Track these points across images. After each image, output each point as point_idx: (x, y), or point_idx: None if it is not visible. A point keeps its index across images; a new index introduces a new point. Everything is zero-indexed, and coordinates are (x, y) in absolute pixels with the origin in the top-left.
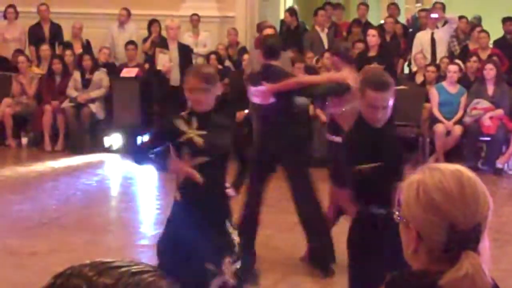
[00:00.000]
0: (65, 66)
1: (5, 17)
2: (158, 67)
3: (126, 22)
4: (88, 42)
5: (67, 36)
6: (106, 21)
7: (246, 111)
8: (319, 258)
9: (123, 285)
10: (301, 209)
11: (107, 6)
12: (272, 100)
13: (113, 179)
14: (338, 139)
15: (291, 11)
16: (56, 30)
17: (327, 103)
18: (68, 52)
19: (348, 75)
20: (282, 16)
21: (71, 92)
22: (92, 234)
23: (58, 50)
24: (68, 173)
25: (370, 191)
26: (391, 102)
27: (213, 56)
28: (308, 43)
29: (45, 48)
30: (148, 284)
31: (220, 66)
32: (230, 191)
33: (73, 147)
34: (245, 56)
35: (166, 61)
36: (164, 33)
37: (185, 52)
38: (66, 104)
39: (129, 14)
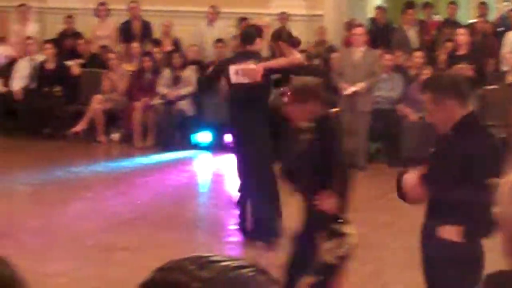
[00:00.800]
0: (155, 64)
1: (96, 14)
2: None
3: (215, 20)
4: (177, 40)
5: (157, 33)
6: (195, 18)
7: (335, 109)
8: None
9: (223, 279)
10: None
11: (196, 4)
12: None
13: (202, 176)
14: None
15: (380, 9)
16: (146, 27)
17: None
18: (157, 49)
19: (299, 56)
20: (370, 14)
21: (161, 89)
22: (182, 230)
23: (148, 48)
24: (158, 170)
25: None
26: None
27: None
28: (396, 42)
29: (135, 46)
30: (248, 279)
31: None
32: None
33: (163, 144)
34: (334, 55)
35: None
36: None
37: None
38: (156, 101)
39: (217, 12)
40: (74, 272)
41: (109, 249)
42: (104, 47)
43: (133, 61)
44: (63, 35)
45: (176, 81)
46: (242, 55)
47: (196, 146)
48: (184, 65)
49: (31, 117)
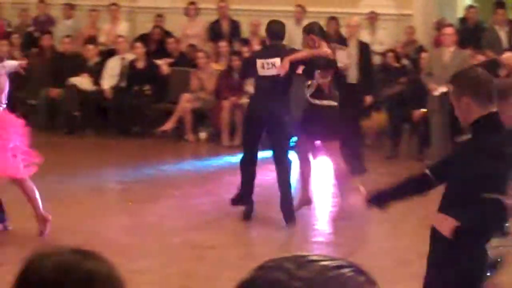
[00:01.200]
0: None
1: (186, 13)
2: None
3: (302, 19)
4: (265, 39)
5: (245, 32)
6: (283, 18)
7: (424, 110)
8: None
9: (323, 279)
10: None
11: (284, 3)
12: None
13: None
14: (325, 102)
15: (472, 8)
16: (235, 26)
17: (315, 74)
18: (246, 48)
19: (327, 50)
20: (459, 14)
21: (249, 88)
22: (269, 229)
23: (236, 47)
24: None
25: None
26: None
27: (390, 54)
28: (487, 42)
29: (223, 45)
30: (347, 279)
31: (397, 64)
32: None
33: None
34: (423, 55)
35: (344, 57)
36: (342, 30)
37: (364, 50)
38: (243, 100)
39: (304, 11)
40: (162, 269)
41: (197, 246)
42: (193, 46)
43: (221, 60)
44: (153, 34)
45: None
46: (269, 49)
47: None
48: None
49: (120, 115)
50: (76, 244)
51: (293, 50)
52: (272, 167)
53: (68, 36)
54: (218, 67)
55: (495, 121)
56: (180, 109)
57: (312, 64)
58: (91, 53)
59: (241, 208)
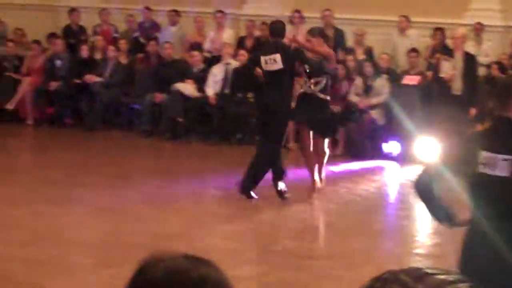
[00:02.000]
0: (347, 72)
1: (291, 21)
2: (441, 75)
3: (407, 29)
4: (370, 49)
5: (349, 41)
6: (388, 27)
7: None
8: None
9: None
10: None
11: (388, 12)
12: None
13: (392, 186)
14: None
15: None
16: (340, 35)
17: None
18: (350, 57)
19: (330, 50)
20: None
21: (353, 97)
22: (370, 240)
23: (340, 55)
24: (348, 178)
25: None
26: None
27: (495, 66)
28: None
29: None
30: None
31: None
32: None
33: (353, 153)
34: None
35: (450, 68)
36: (448, 41)
37: (470, 61)
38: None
39: (408, 21)
40: (262, 277)
41: (297, 255)
42: None
43: None
44: (258, 41)
45: (368, 90)
46: (270, 46)
47: (386, 156)
48: (376, 74)
49: (223, 122)
50: (177, 250)
51: (292, 47)
52: (374, 177)
53: (167, 42)
54: None
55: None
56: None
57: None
58: (196, 59)
59: (342, 219)
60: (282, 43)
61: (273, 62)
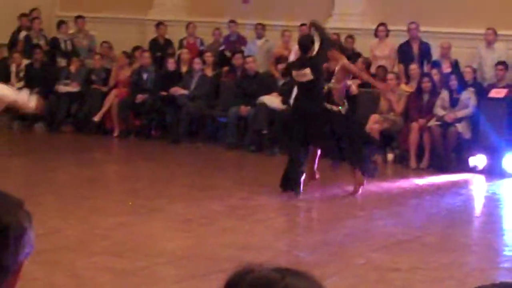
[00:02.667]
0: (433, 85)
1: (376, 35)
2: None
3: (494, 42)
4: (456, 62)
5: (435, 55)
6: (473, 40)
7: None
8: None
9: None
10: None
11: (475, 25)
12: None
13: (478, 200)
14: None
15: None
16: (425, 48)
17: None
18: (435, 70)
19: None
20: None
21: (439, 110)
22: (455, 254)
23: (426, 69)
24: (432, 191)
25: None
26: None
27: None
28: None
29: (414, 67)
30: None
31: None
32: None
33: (438, 166)
34: None
35: None
36: None
37: None
38: (432, 122)
39: (495, 33)
40: None
41: (381, 269)
42: (382, 67)
43: (411, 82)
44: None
45: (453, 103)
46: (300, 61)
47: (472, 170)
48: (462, 87)
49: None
50: (264, 262)
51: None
52: (459, 191)
53: (250, 56)
54: (407, 88)
55: None
56: (367, 129)
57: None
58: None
59: (426, 232)
60: (311, 57)
61: (303, 75)
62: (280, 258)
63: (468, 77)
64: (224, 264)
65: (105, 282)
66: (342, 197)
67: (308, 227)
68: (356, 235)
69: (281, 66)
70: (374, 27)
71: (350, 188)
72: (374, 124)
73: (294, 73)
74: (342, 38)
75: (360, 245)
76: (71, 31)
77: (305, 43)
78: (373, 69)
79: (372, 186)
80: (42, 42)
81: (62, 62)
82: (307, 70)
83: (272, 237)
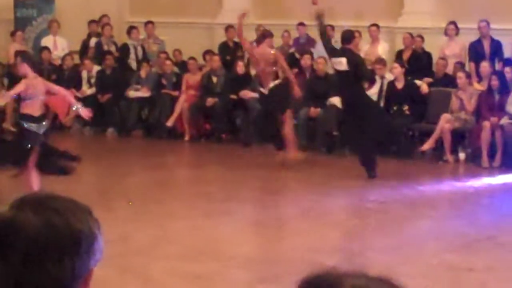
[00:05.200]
0: (505, 83)
1: (446, 33)
2: None
3: None
4: None
5: (507, 52)
6: None
7: None
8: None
9: None
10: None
11: None
12: None
13: None
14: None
15: None
16: (497, 46)
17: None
18: (508, 68)
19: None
20: None
21: (510, 108)
22: None
23: (498, 67)
24: (505, 190)
25: None
26: None
27: None
28: None
29: (484, 65)
30: None
31: None
32: None
33: (510, 165)
34: None
35: None
36: None
37: None
38: (504, 120)
39: None
40: None
41: (455, 269)
42: (456, 65)
43: (482, 80)
44: (414, 53)
45: None
46: (341, 51)
47: None
48: None
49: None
50: (335, 265)
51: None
52: None
53: (321, 57)
54: (479, 87)
55: None
56: (439, 129)
57: None
58: None
59: (500, 231)
60: (350, 48)
61: (340, 63)
62: (354, 260)
63: None
64: (296, 267)
65: (177, 286)
66: (416, 198)
67: (380, 228)
68: (429, 236)
69: None
70: (444, 25)
71: (421, 188)
72: (445, 124)
73: (332, 60)
74: (408, 37)
75: (433, 246)
76: (141, 37)
77: (347, 35)
78: (446, 68)
79: (445, 186)
80: (112, 48)
81: (133, 67)
82: (343, 60)
83: (344, 239)
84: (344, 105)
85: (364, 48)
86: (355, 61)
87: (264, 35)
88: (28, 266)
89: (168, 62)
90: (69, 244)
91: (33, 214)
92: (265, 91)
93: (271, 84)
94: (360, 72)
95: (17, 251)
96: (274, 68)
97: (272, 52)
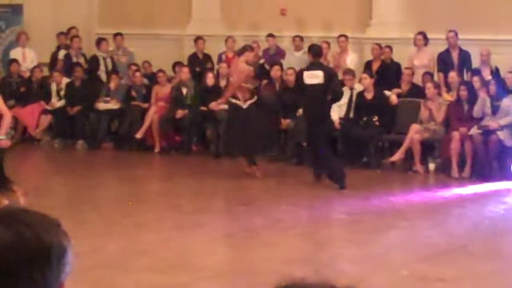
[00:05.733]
0: (473, 93)
1: (414, 44)
2: None
3: None
4: (496, 68)
5: (475, 63)
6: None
7: None
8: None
9: None
10: None
11: None
12: None
13: None
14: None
15: None
16: (465, 56)
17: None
18: (476, 78)
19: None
20: None
21: (477, 114)
22: (500, 263)
23: (466, 77)
24: (475, 200)
25: None
26: None
27: None
28: None
29: (452, 75)
30: None
31: None
32: None
33: (480, 174)
34: None
35: None
36: None
37: None
38: (474, 131)
39: None
40: None
41: (425, 279)
42: (425, 76)
43: (451, 90)
44: (383, 64)
45: (495, 110)
46: (312, 65)
47: None
48: (502, 94)
49: (349, 146)
50: (305, 275)
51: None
52: (502, 199)
53: (290, 68)
54: (449, 97)
55: None
56: (409, 139)
57: None
58: None
59: (470, 241)
60: (321, 62)
61: (314, 77)
62: (323, 271)
63: (509, 83)
64: (266, 278)
65: None
66: (386, 208)
67: (350, 239)
68: (399, 246)
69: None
70: (412, 36)
71: (391, 198)
72: (415, 134)
73: (305, 74)
74: (377, 48)
75: (403, 256)
76: (110, 49)
77: (317, 49)
78: (416, 78)
79: (415, 196)
80: (81, 60)
81: (102, 79)
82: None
83: (314, 250)
84: (309, 119)
85: (333, 59)
86: (330, 75)
87: (244, 48)
88: None
89: (137, 74)
90: (39, 258)
91: (2, 228)
92: (242, 104)
93: (249, 102)
94: (334, 85)
95: None
96: (248, 84)
97: (247, 68)
